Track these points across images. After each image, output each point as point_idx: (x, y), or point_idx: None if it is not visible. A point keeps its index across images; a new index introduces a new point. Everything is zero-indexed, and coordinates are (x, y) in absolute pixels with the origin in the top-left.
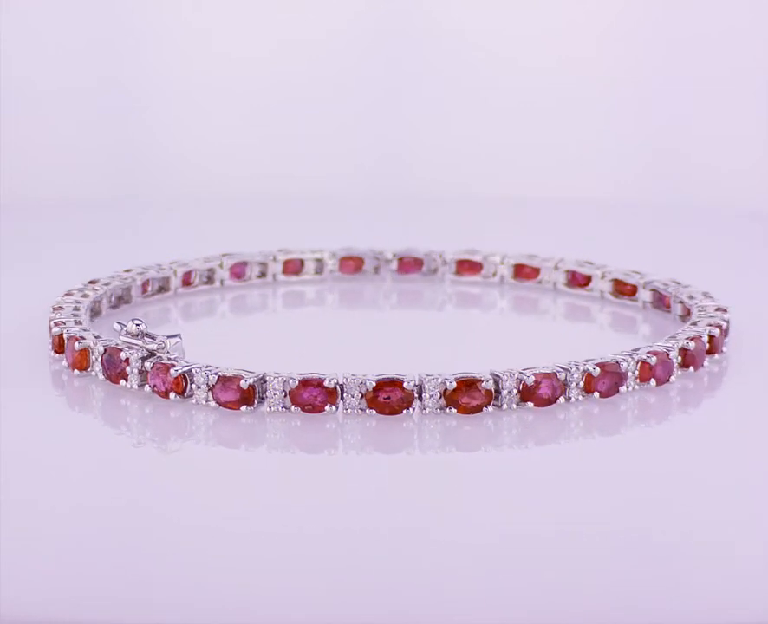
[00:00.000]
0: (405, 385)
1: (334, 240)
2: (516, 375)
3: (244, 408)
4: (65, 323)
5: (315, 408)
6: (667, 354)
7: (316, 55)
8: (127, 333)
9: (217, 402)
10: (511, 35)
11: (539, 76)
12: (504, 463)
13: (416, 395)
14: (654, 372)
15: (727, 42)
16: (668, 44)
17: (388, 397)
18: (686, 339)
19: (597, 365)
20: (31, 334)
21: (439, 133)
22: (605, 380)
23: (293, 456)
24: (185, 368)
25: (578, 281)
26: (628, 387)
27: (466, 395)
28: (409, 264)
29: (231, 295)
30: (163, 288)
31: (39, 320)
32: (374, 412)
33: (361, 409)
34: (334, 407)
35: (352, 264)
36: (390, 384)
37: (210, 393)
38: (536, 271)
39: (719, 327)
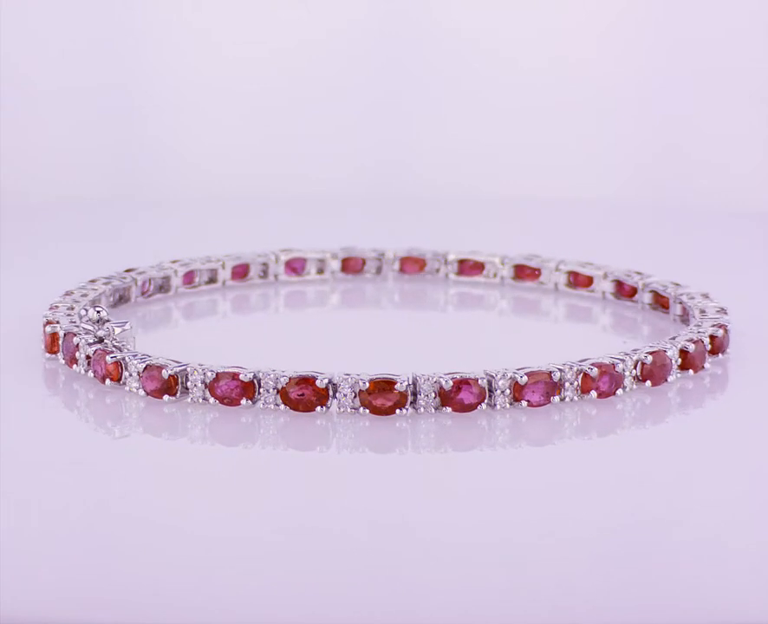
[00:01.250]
0: (317, 383)
1: (334, 240)
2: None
3: (165, 398)
4: (59, 322)
5: (232, 401)
6: (614, 366)
7: (317, 55)
8: (89, 320)
9: (144, 390)
10: (511, 36)
11: (539, 76)
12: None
13: (330, 393)
14: (596, 384)
15: (727, 42)
16: (668, 45)
17: (302, 394)
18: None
19: (527, 374)
20: (28, 334)
21: (439, 134)
22: (535, 388)
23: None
24: (121, 356)
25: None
26: (564, 398)
27: (381, 397)
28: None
29: (232, 295)
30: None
31: (37, 319)
32: (288, 408)
33: (276, 405)
34: (250, 402)
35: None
36: (304, 381)
37: (139, 380)
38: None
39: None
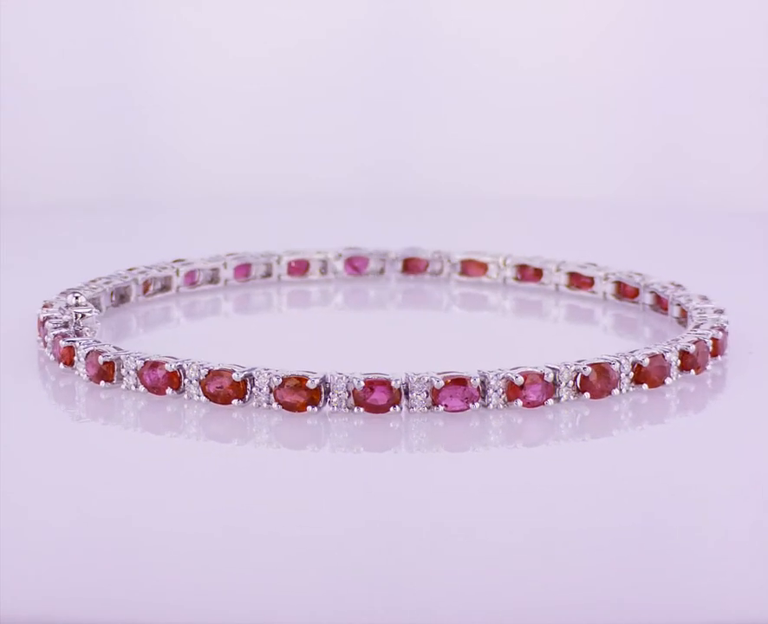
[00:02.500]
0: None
1: (334, 240)
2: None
3: (103, 384)
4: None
5: (159, 390)
6: (542, 376)
7: (317, 55)
8: (67, 305)
9: (87, 375)
10: (511, 36)
11: (539, 76)
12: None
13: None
14: (519, 392)
15: (727, 42)
16: (668, 45)
17: (220, 387)
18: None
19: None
20: (24, 334)
21: (439, 134)
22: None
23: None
24: (72, 341)
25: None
26: (488, 405)
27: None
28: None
29: (234, 295)
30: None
31: (34, 320)
32: (208, 400)
33: (198, 396)
34: (175, 392)
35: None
36: (218, 374)
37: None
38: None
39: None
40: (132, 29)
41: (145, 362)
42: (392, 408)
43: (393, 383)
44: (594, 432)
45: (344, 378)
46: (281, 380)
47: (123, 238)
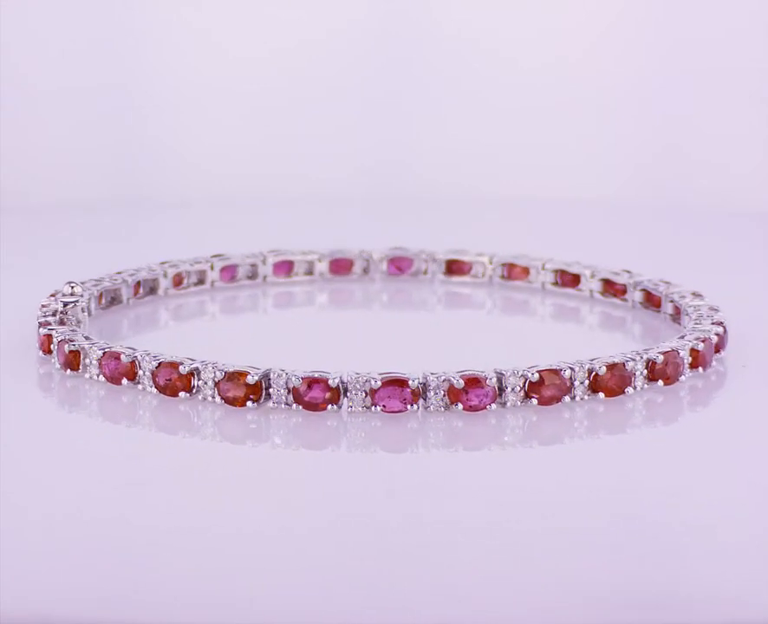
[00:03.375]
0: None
1: (333, 241)
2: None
3: (68, 372)
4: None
5: (115, 380)
6: (486, 380)
7: (317, 55)
8: (62, 294)
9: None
10: (511, 36)
11: (539, 76)
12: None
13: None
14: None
15: (727, 42)
16: (668, 45)
17: (169, 379)
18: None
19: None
20: (23, 333)
21: (439, 134)
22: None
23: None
24: (51, 329)
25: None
26: (428, 407)
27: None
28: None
29: (221, 297)
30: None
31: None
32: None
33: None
34: (131, 383)
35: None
36: (170, 365)
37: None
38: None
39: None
40: (132, 29)
41: (104, 353)
42: (329, 406)
43: (330, 381)
44: (608, 430)
45: (284, 375)
46: (224, 373)
47: (123, 238)
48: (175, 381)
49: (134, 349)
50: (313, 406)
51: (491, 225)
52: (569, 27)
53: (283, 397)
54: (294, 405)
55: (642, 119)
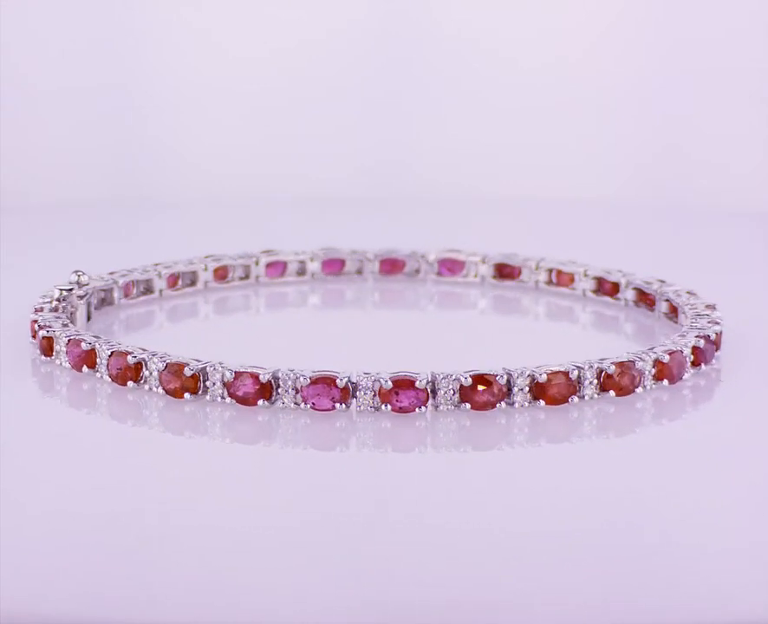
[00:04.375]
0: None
1: (332, 241)
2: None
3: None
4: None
5: (76, 365)
6: (414, 382)
7: (317, 55)
8: (70, 282)
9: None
10: (511, 36)
11: (539, 76)
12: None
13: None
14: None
15: (727, 42)
16: (668, 45)
17: (120, 368)
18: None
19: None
20: (23, 332)
21: (439, 134)
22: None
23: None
24: (38, 317)
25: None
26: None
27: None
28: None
29: (214, 297)
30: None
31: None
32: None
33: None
34: (91, 371)
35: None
36: (121, 355)
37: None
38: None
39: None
40: (132, 29)
41: (69, 340)
42: (260, 401)
43: (261, 377)
44: (618, 430)
45: (219, 368)
46: (164, 364)
47: (123, 238)
48: (125, 370)
49: (98, 337)
50: (243, 401)
51: (491, 225)
52: (569, 27)
53: (220, 390)
54: (228, 399)
55: (642, 119)
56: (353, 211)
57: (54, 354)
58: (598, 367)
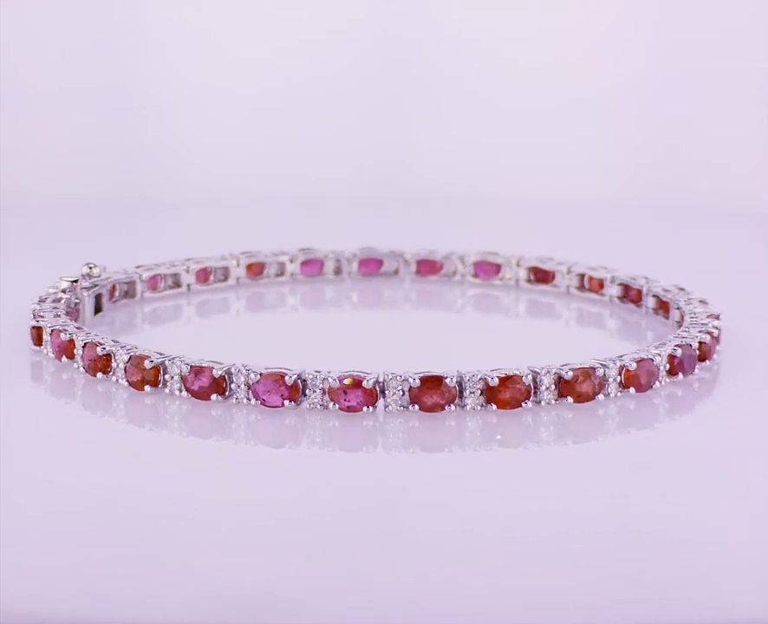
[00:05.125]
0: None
1: (333, 241)
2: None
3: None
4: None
5: (58, 356)
6: (362, 380)
7: (317, 55)
8: (80, 274)
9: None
10: (511, 36)
11: (539, 76)
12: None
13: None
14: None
15: (727, 42)
16: (668, 45)
17: (91, 359)
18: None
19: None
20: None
21: (439, 134)
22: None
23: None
24: (36, 306)
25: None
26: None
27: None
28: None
29: (197, 300)
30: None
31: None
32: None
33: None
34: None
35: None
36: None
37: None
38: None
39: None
40: (132, 29)
41: (53, 330)
42: (213, 396)
43: (214, 372)
44: (638, 425)
45: (177, 362)
46: (129, 357)
47: (123, 238)
48: (96, 361)
49: (81, 327)
50: (198, 395)
51: (491, 225)
52: (569, 27)
53: (178, 384)
54: (184, 393)
55: (642, 119)
56: (353, 212)
57: (42, 344)
58: (556, 372)
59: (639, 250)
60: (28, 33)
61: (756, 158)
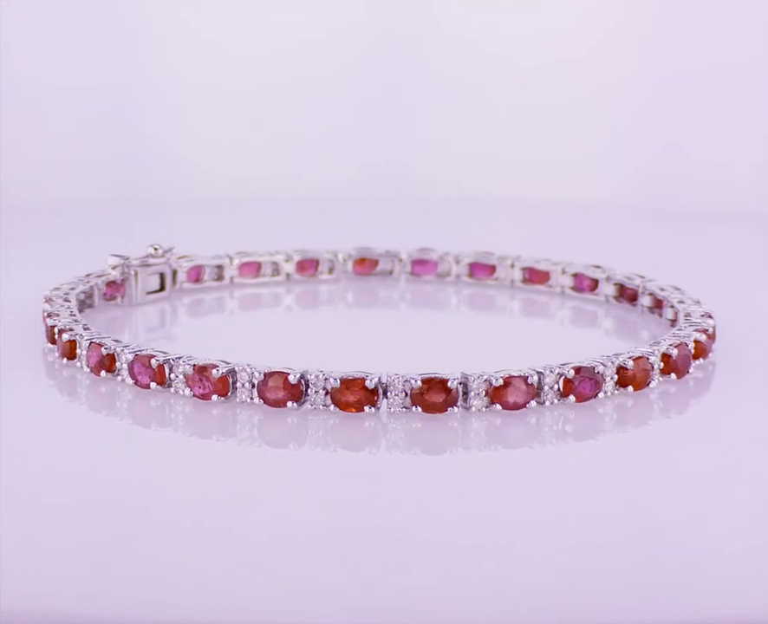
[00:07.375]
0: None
1: (328, 241)
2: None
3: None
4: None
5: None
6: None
7: (317, 55)
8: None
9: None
10: (511, 36)
11: (539, 76)
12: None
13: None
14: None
15: (727, 42)
16: (668, 45)
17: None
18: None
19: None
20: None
21: (439, 134)
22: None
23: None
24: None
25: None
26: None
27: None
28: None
29: (188, 299)
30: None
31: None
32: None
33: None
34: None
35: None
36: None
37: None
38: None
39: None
40: (132, 30)
41: (48, 320)
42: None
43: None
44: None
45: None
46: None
47: (123, 238)
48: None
49: (75, 319)
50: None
51: (491, 225)
52: (570, 28)
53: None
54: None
55: (642, 119)
56: (353, 212)
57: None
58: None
59: (638, 250)
60: (28, 33)
61: (756, 158)
